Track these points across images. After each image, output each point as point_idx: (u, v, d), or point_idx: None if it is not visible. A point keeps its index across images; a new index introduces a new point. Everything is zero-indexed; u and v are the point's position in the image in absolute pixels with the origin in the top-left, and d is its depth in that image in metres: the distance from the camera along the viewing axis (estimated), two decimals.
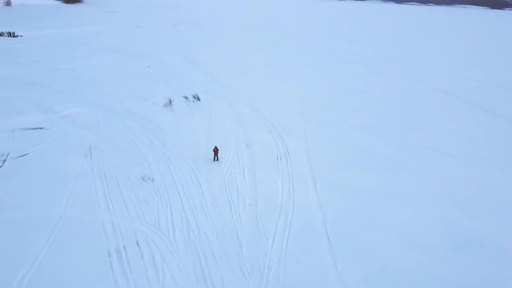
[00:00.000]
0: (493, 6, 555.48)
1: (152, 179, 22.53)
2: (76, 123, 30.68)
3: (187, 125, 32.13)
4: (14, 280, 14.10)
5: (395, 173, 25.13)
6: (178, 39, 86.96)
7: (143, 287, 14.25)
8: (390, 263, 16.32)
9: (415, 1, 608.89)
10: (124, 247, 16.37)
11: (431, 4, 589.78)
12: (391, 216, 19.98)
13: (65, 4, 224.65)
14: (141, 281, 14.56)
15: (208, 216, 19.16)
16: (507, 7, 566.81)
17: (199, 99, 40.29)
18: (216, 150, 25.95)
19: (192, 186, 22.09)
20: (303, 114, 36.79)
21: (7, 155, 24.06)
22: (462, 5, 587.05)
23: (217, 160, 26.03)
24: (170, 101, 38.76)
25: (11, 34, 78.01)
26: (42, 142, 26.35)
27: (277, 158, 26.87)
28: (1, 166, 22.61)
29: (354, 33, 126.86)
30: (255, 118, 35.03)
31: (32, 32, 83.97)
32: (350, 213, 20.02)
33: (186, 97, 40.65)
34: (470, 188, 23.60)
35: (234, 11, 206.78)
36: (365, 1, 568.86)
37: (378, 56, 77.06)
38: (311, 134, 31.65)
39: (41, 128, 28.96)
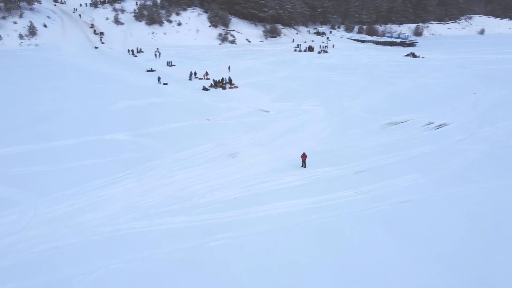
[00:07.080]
0: None
1: (234, 156, 26.64)
2: (280, 113, 37.60)
3: (340, 141, 30.48)
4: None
5: None
6: None
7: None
8: None
9: None
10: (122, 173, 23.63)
11: None
12: None
13: None
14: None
15: (206, 192, 21.68)
16: None
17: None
18: (304, 157, 24.92)
19: (246, 172, 24.36)
20: None
21: (211, 119, 35.68)
22: None
23: (305, 166, 25.03)
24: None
25: (414, 55, 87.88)
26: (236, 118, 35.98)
27: (357, 191, 21.43)
28: (208, 121, 34.47)
29: None
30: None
31: (441, 56, 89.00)
32: None
33: (395, 123, 34.58)
34: None
35: None
36: None
37: None
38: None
39: (267, 112, 38.26)
